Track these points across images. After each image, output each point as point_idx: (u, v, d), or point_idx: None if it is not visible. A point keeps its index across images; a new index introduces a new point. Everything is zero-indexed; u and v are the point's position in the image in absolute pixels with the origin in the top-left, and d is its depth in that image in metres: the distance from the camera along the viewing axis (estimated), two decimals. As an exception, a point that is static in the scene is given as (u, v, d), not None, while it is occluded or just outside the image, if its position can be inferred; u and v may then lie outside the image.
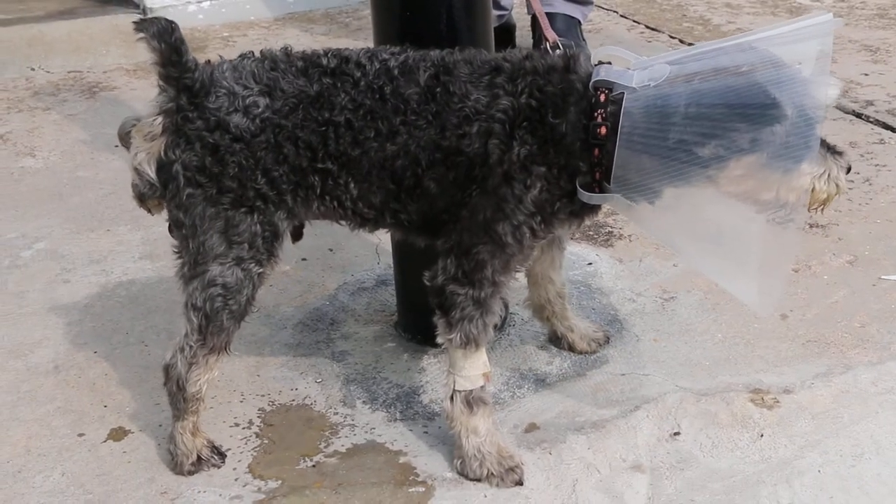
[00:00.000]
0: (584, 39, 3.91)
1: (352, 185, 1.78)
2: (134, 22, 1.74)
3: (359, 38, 4.39)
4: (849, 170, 1.73)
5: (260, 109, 1.73)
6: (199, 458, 1.91)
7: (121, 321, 2.39)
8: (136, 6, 4.87)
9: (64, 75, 4.18)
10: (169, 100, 1.74)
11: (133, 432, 2.03)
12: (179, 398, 1.87)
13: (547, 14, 3.84)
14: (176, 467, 1.91)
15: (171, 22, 1.72)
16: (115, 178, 3.17)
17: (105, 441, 2.01)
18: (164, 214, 1.85)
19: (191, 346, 1.84)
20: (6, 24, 4.65)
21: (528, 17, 3.96)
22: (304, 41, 4.44)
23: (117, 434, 2.03)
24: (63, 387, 2.18)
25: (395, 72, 1.77)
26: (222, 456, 1.94)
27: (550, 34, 1.92)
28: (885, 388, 2.07)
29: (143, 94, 3.90)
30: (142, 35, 1.71)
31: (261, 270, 1.82)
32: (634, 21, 4.47)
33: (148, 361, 2.24)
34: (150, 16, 4.75)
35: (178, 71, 1.72)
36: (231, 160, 1.73)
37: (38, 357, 2.28)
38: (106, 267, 2.65)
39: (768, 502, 1.82)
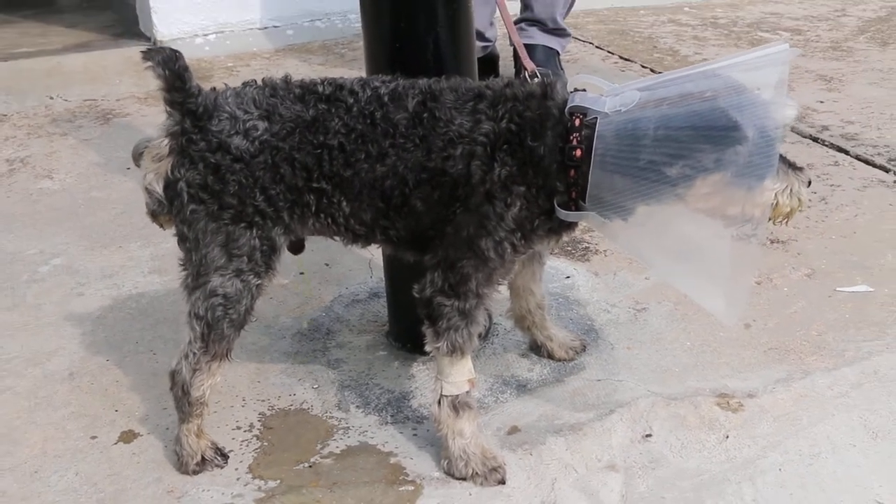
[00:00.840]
0: (562, 69, 3.91)
1: (344, 203, 1.78)
2: (141, 51, 1.74)
3: (353, 68, 4.38)
4: (809, 183, 1.73)
5: (259, 132, 1.73)
6: (203, 458, 1.90)
7: (131, 331, 2.37)
8: (148, 39, 4.86)
9: (80, 103, 4.16)
10: (175, 123, 1.74)
11: (142, 435, 2.01)
12: (184, 402, 1.87)
13: (527, 45, 3.87)
14: (182, 467, 1.90)
15: (175, 51, 1.73)
16: (126, 198, 3.16)
17: (116, 443, 1.99)
18: (174, 230, 1.84)
19: (194, 353, 1.83)
20: (28, 56, 4.64)
21: (511, 49, 3.95)
22: (302, 70, 4.43)
23: (127, 436, 2.01)
24: (77, 393, 2.16)
25: (386, 98, 1.76)
26: (225, 457, 1.92)
27: (529, 64, 1.92)
28: (840, 392, 2.06)
29: (154, 119, 3.88)
30: (149, 63, 1.71)
31: (259, 282, 1.81)
32: (609, 52, 4.47)
33: (156, 369, 2.22)
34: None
35: (183, 96, 1.72)
36: (231, 179, 1.73)
37: (54, 365, 2.26)
38: (118, 281, 2.63)
39: (733, 499, 1.81)
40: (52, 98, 4.22)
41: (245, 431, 2.02)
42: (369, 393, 2.12)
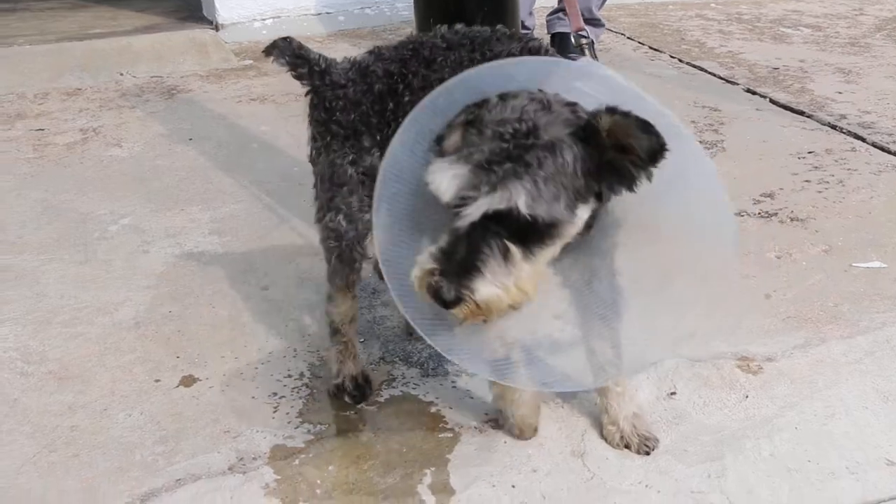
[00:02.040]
0: (596, 57, 3.85)
1: None
2: (263, 51, 1.97)
3: (400, 53, 4.35)
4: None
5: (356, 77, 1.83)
6: (340, 385, 1.93)
7: (192, 286, 2.38)
8: (210, 22, 4.86)
9: (147, 80, 4.16)
10: (309, 85, 1.87)
11: (201, 380, 2.01)
12: (329, 328, 1.95)
13: (564, 34, 3.83)
14: (326, 383, 1.97)
15: (287, 38, 1.91)
16: (188, 165, 3.16)
17: (177, 387, 1.99)
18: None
19: (327, 285, 1.93)
20: (100, 36, 4.66)
21: (548, 38, 3.91)
22: (352, 54, 4.40)
23: (188, 381, 2.01)
24: (142, 340, 2.17)
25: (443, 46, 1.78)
26: (362, 394, 1.93)
27: (577, 22, 1.98)
28: (854, 359, 2.02)
29: (215, 95, 3.89)
30: (272, 57, 1.91)
31: (361, 216, 1.83)
32: (640, 42, 4.41)
33: (214, 320, 2.22)
34: (224, 31, 4.74)
35: (308, 65, 1.86)
36: (338, 104, 1.81)
37: (121, 315, 2.27)
38: (180, 240, 2.63)
39: (751, 454, 1.78)
40: (122, 75, 4.22)
41: (296, 379, 2.01)
42: (411, 348, 2.10)
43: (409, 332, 2.15)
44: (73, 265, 2.52)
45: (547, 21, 3.89)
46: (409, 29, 4.79)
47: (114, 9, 5.56)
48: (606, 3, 4.04)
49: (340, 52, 4.43)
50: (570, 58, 3.74)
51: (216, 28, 4.78)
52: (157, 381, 2.01)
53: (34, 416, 1.91)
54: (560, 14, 3.88)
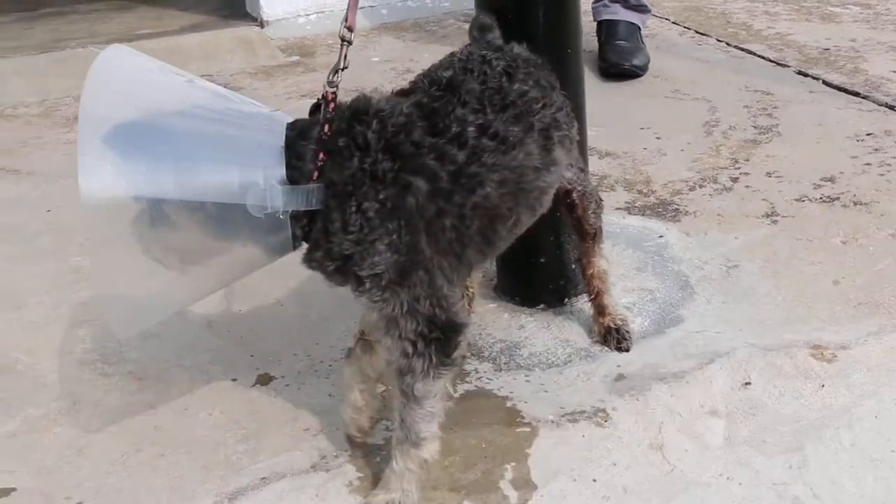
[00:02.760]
0: (643, 43, 3.84)
1: None
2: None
3: (445, 44, 4.34)
4: None
5: None
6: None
7: (261, 286, 2.38)
8: (254, 19, 4.87)
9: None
10: None
11: (276, 378, 2.03)
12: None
13: (610, 20, 3.81)
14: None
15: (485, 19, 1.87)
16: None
17: (254, 385, 2.01)
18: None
19: None
20: (149, 37, 4.68)
21: (594, 24, 3.89)
22: (396, 47, 4.41)
23: (264, 379, 2.03)
24: (216, 339, 2.19)
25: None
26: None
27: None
28: (929, 345, 2.01)
29: (265, 92, 3.90)
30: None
31: None
32: (685, 27, 4.37)
33: (285, 318, 2.24)
34: (269, 27, 4.76)
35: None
36: None
37: (194, 314, 2.29)
38: (244, 239, 2.65)
39: (832, 444, 1.77)
40: (172, 74, 4.24)
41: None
42: (482, 342, 2.10)
43: None
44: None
45: (593, 8, 3.86)
46: (452, 20, 4.79)
47: (158, 9, 5.59)
48: (651, -13, 4.01)
49: (385, 45, 4.43)
50: (617, 45, 3.71)
51: (261, 25, 4.79)
52: (234, 379, 2.04)
53: (118, 416, 1.94)
54: (606, 1, 3.85)
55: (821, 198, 2.65)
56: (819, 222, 2.51)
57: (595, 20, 3.87)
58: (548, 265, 2.17)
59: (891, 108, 3.26)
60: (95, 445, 1.86)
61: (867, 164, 2.84)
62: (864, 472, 1.71)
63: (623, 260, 2.35)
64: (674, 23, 4.45)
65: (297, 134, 1.50)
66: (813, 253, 2.37)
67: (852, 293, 2.19)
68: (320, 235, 1.51)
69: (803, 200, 2.64)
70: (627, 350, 2.02)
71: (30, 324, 2.31)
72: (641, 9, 3.86)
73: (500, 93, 1.60)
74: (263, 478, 1.74)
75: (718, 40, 4.15)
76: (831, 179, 2.75)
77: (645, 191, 2.75)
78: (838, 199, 2.63)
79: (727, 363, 1.95)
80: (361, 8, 4.95)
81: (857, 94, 3.40)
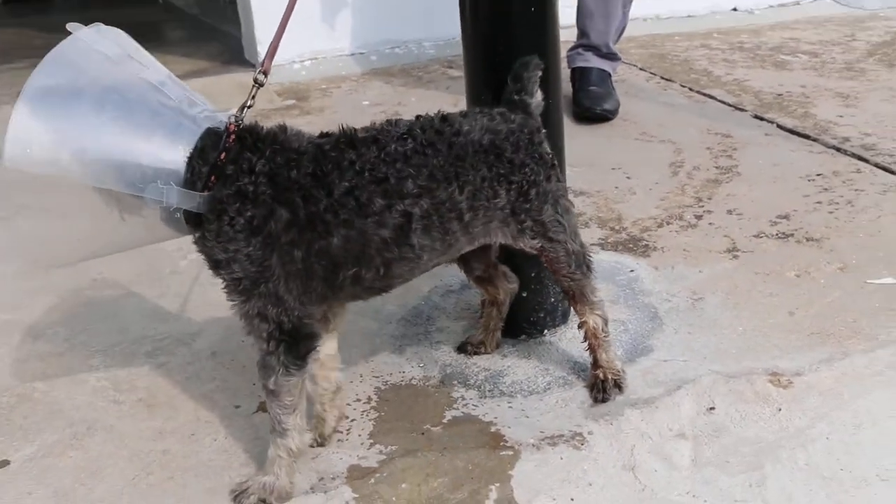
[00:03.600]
0: (613, 88, 3.90)
1: None
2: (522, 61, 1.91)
3: (430, 88, 4.39)
4: None
5: None
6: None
7: (261, 316, 2.41)
8: (252, 65, 4.92)
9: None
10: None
11: (277, 405, 2.05)
12: None
13: (583, 68, 3.87)
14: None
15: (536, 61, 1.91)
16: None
17: (256, 412, 2.03)
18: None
19: None
20: (153, 80, 4.71)
21: (568, 71, 3.95)
22: (385, 91, 4.45)
23: (265, 406, 2.01)
24: (220, 368, 2.21)
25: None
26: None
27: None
28: (876, 371, 2.04)
29: (264, 134, 3.92)
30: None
31: None
32: (651, 73, 4.44)
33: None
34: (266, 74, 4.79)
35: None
36: None
37: (198, 345, 2.31)
38: (246, 273, 2.67)
39: (788, 463, 1.81)
40: (176, 116, 4.26)
41: (364, 403, 2.04)
42: (468, 371, 2.13)
43: (460, 349, 2.20)
44: (151, 298, 2.57)
45: (567, 56, 3.92)
46: (437, 66, 4.84)
47: (161, 54, 5.60)
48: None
49: (375, 89, 4.48)
50: (590, 90, 3.77)
51: (259, 71, 4.83)
52: (238, 406, 2.05)
53: (130, 440, 1.96)
54: (580, 49, 3.92)
55: (777, 234, 2.70)
56: (775, 257, 2.56)
57: (569, 67, 3.94)
58: (529, 299, 2.20)
59: (837, 149, 3.33)
60: (108, 468, 1.88)
61: (818, 202, 2.90)
62: (818, 489, 1.74)
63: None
64: (641, 69, 4.53)
65: (200, 151, 1.60)
66: (770, 286, 2.41)
67: (806, 323, 2.23)
68: (202, 236, 1.65)
69: (761, 237, 2.69)
70: (605, 402, 1.97)
71: (46, 354, 2.32)
72: (612, 57, 3.93)
73: (388, 164, 1.67)
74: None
75: (682, 85, 4.22)
76: (786, 217, 2.81)
77: (617, 227, 2.80)
78: (792, 235, 2.69)
79: (693, 390, 1.98)
80: (351, 54, 5.02)
81: (807, 137, 3.47)
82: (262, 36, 4.77)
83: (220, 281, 1.68)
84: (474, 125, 1.78)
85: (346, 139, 1.68)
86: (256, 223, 1.59)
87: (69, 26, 1.62)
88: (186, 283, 2.63)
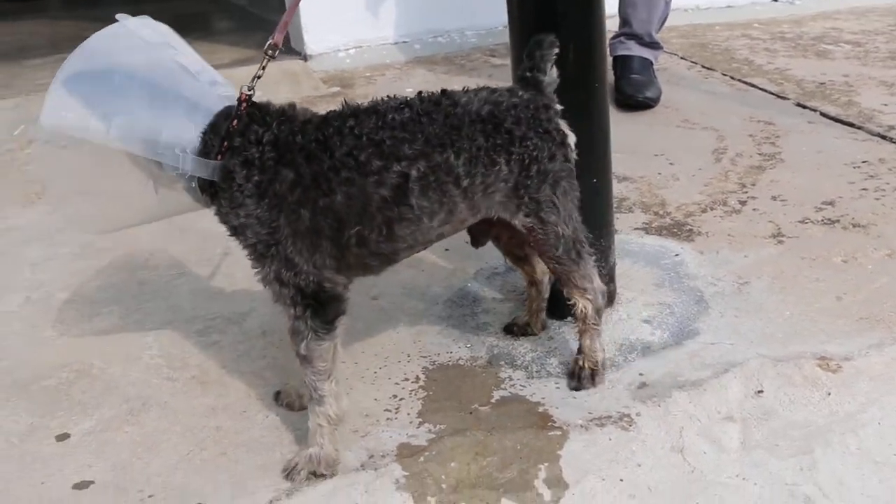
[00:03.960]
0: (655, 76, 3.83)
1: None
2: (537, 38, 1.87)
3: (472, 76, 4.35)
4: None
5: None
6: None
7: (310, 297, 2.40)
8: (298, 53, 4.91)
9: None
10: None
11: (327, 383, 2.03)
12: None
13: (625, 56, 3.81)
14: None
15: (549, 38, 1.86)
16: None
17: (306, 390, 2.02)
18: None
19: None
20: (202, 69, 4.71)
21: (611, 59, 3.89)
22: (429, 79, 4.42)
23: (316, 385, 2.03)
24: (269, 347, 2.19)
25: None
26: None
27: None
28: (926, 357, 1.98)
29: (310, 121, 3.91)
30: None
31: None
32: (692, 62, 4.37)
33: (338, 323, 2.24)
34: (312, 61, 4.79)
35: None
36: None
37: (248, 324, 2.30)
38: (294, 255, 2.66)
39: (839, 447, 1.76)
40: (225, 103, 4.27)
41: (412, 382, 2.02)
42: (514, 352, 2.10)
43: (507, 330, 2.17)
44: (201, 279, 2.56)
45: (610, 44, 3.86)
46: (479, 54, 4.79)
47: (211, 43, 5.63)
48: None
49: (418, 76, 4.45)
50: (632, 78, 3.71)
51: (305, 59, 4.82)
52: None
53: (183, 417, 1.95)
54: (622, 38, 3.85)
55: (822, 220, 2.63)
56: (821, 243, 2.50)
57: (611, 55, 3.87)
58: (574, 281, 2.15)
59: (883, 137, 3.24)
60: (163, 444, 1.87)
61: (864, 189, 2.82)
62: (870, 473, 1.69)
63: (643, 276, 2.35)
64: (682, 58, 4.45)
65: (216, 121, 1.66)
66: (816, 271, 2.35)
67: (853, 308, 2.17)
68: (219, 206, 1.71)
69: (806, 222, 2.63)
70: (577, 390, 1.94)
71: (103, 332, 2.32)
72: (654, 46, 3.87)
73: (386, 129, 1.67)
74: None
75: (723, 74, 4.15)
76: (831, 203, 2.74)
77: (661, 212, 2.75)
78: (838, 221, 2.62)
79: (741, 373, 1.94)
80: (395, 43, 5.00)
81: (851, 125, 3.39)
82: (309, 24, 4.77)
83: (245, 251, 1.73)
84: (473, 98, 1.77)
85: (349, 109, 1.71)
86: (263, 186, 1.63)
87: (118, 17, 1.71)
88: (236, 263, 2.62)
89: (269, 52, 1.76)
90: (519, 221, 1.83)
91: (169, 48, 1.71)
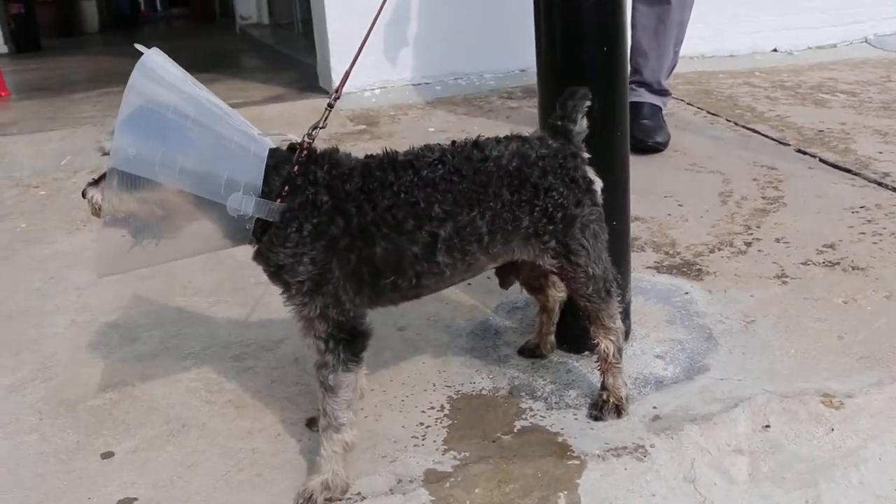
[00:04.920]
0: (664, 122, 3.87)
1: None
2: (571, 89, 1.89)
3: (490, 117, 4.40)
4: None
5: None
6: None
7: (340, 326, 2.41)
8: (326, 92, 4.96)
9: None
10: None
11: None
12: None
13: (636, 103, 3.84)
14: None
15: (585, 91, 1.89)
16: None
17: (337, 416, 2.03)
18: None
19: None
20: (236, 106, 4.66)
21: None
22: (450, 118, 4.47)
23: (346, 410, 2.04)
24: (302, 374, 2.21)
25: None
26: None
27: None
28: (925, 396, 1.99)
29: (337, 157, 3.95)
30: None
31: None
32: (698, 108, 4.40)
33: (366, 355, 2.25)
34: (339, 100, 4.84)
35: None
36: None
37: (282, 350, 2.32)
38: (324, 285, 2.68)
39: (842, 481, 1.77)
40: (256, 139, 4.31)
41: (437, 411, 2.03)
42: (535, 384, 2.11)
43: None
44: (237, 307, 2.59)
45: (620, 91, 3.89)
46: (496, 97, 4.84)
47: (243, 81, 5.71)
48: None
49: (440, 117, 4.50)
50: (642, 124, 3.74)
51: (333, 98, 4.87)
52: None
53: (221, 438, 1.97)
54: (633, 85, 3.89)
55: (823, 262, 2.65)
56: (823, 284, 2.51)
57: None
58: (591, 317, 2.17)
59: (879, 184, 3.26)
60: (202, 464, 1.89)
61: (862, 233, 2.84)
62: (873, 508, 1.70)
63: (655, 313, 2.36)
64: (688, 104, 4.49)
65: (276, 163, 1.68)
66: (819, 311, 2.36)
67: (854, 348, 2.18)
68: (266, 244, 1.70)
69: (808, 264, 2.64)
70: (597, 420, 1.94)
71: (143, 355, 2.34)
72: (663, 93, 3.91)
73: (419, 188, 1.71)
74: (348, 498, 1.76)
75: (728, 120, 4.18)
76: (832, 246, 2.75)
77: (671, 252, 2.77)
78: (839, 263, 2.63)
79: (749, 408, 1.94)
80: (417, 84, 5.06)
81: (849, 171, 3.41)
82: (337, 64, 4.83)
83: (280, 289, 1.75)
84: (504, 151, 1.79)
85: (388, 159, 1.74)
86: (321, 229, 1.65)
87: (137, 46, 1.69)
88: (270, 294, 2.65)
89: (332, 104, 1.82)
90: (545, 263, 1.86)
91: (190, 84, 1.69)
